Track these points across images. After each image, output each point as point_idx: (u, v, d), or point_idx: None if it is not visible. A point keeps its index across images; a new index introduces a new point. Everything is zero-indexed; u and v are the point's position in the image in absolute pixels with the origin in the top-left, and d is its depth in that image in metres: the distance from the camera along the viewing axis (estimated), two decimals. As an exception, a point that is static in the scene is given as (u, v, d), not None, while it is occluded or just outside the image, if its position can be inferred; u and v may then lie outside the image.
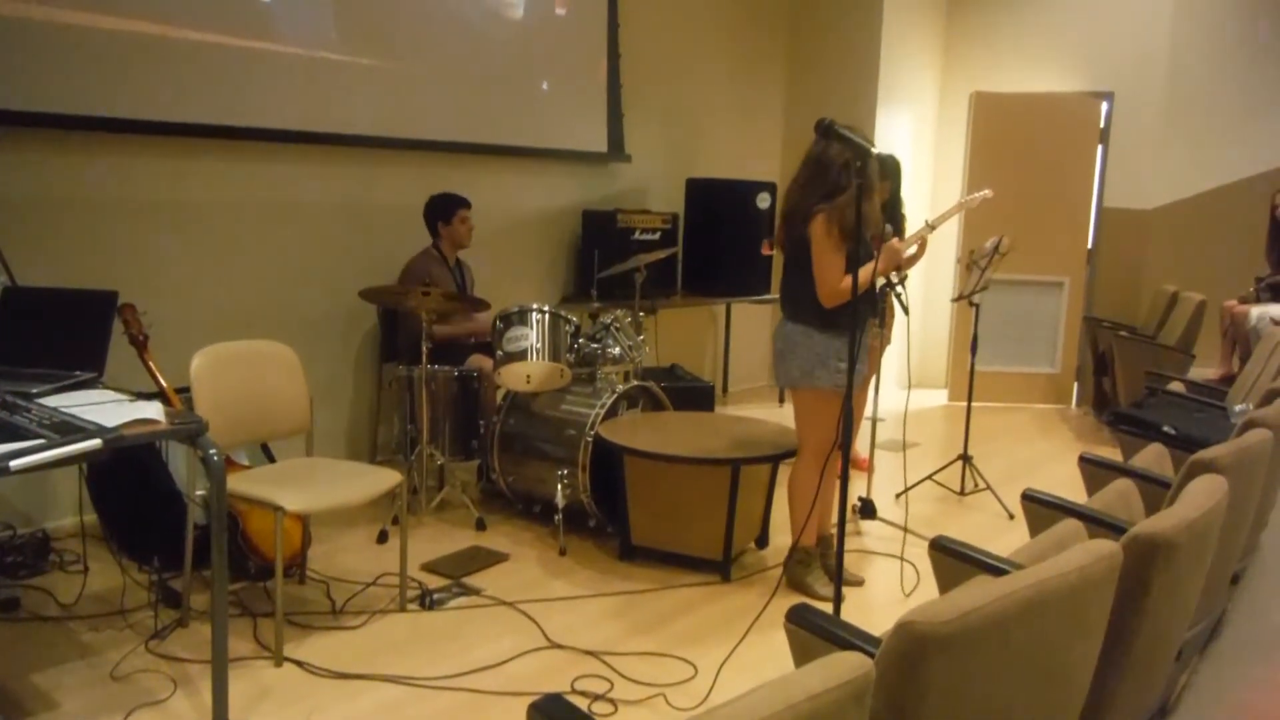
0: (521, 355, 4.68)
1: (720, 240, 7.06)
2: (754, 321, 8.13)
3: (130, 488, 4.09)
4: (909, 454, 6.31)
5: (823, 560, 4.13)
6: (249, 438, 3.84)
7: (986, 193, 4.82)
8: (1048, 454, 6.52)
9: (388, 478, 3.67)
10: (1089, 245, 7.99)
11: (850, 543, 4.64)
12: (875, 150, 3.20)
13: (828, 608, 2.40)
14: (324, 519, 4.57)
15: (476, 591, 3.99)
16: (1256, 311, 6.81)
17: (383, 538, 4.50)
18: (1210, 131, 7.78)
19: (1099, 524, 2.45)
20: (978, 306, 5.40)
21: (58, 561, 4.09)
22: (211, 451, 2.75)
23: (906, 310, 4.76)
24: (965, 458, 5.52)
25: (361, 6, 5.30)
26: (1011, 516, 5.10)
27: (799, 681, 1.24)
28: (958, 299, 5.62)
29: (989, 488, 5.38)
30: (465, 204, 5.29)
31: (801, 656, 1.98)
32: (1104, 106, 7.87)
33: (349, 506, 3.58)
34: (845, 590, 3.31)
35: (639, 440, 4.26)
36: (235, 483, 3.41)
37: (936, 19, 8.48)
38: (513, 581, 4.11)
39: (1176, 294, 7.11)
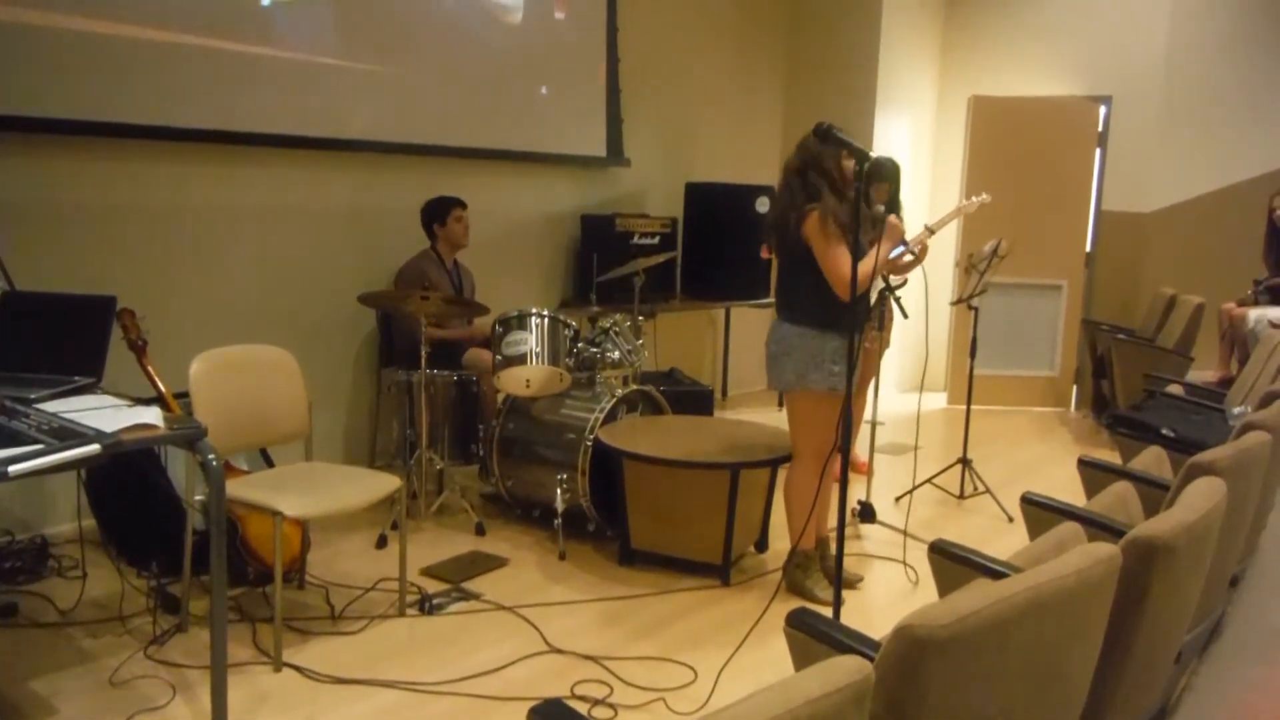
0: (521, 360, 4.68)
1: (719, 244, 7.07)
2: (753, 325, 8.12)
3: (129, 493, 4.09)
4: (908, 457, 6.31)
5: (822, 564, 4.13)
6: (248, 443, 3.84)
7: (985, 197, 4.83)
8: (1047, 457, 6.52)
9: (387, 482, 3.67)
10: (1087, 248, 7.99)
11: (849, 546, 4.63)
12: (873, 154, 3.21)
13: (827, 611, 2.40)
14: (323, 524, 4.57)
15: (476, 596, 3.99)
16: (1255, 314, 6.81)
17: (382, 543, 4.49)
18: (1208, 135, 7.79)
19: (1098, 527, 2.46)
20: (976, 310, 5.40)
21: (56, 567, 4.08)
22: (210, 457, 2.75)
23: (905, 314, 4.78)
24: (964, 461, 5.52)
25: (361, 11, 5.31)
26: (1011, 519, 5.10)
27: (798, 685, 1.24)
28: (956, 302, 5.63)
29: (988, 491, 5.38)
30: (460, 203, 5.28)
31: (801, 660, 1.98)
32: (1102, 110, 7.88)
33: (348, 511, 3.58)
34: (845, 593, 3.31)
35: (638, 444, 4.26)
36: (234, 488, 3.41)
37: (935, 23, 8.50)
38: (512, 586, 4.10)
39: (1175, 297, 7.12)
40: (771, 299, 7.18)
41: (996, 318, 7.53)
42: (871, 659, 1.39)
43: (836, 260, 3.73)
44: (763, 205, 7.13)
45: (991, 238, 5.41)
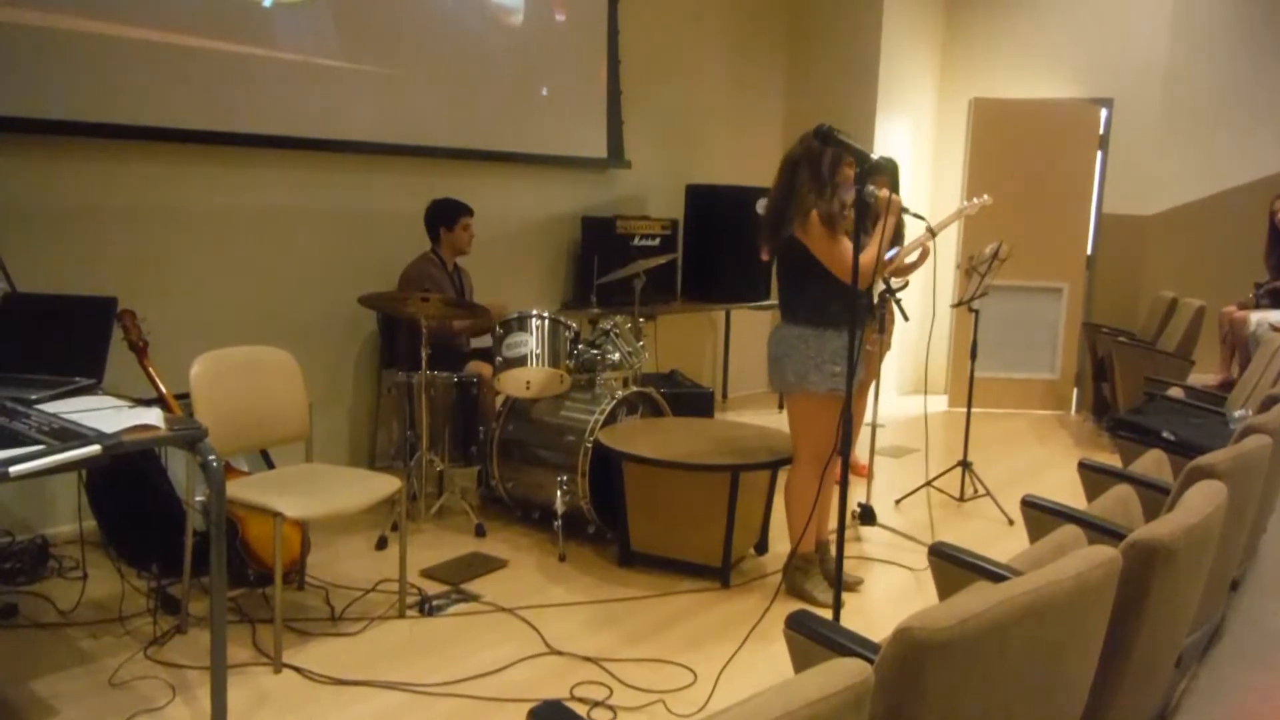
0: (521, 361, 4.68)
1: (720, 246, 7.07)
2: (753, 327, 8.13)
3: (129, 494, 4.09)
4: (908, 460, 6.32)
5: (822, 566, 4.13)
6: (248, 444, 3.84)
7: (985, 199, 4.83)
8: (1047, 460, 6.52)
9: (387, 484, 3.67)
10: (1088, 251, 7.99)
11: (850, 549, 4.63)
12: (873, 155, 3.21)
13: (827, 614, 2.40)
14: (323, 525, 4.57)
15: (476, 598, 3.99)
16: (1255, 317, 6.81)
17: (382, 544, 4.49)
18: (1209, 137, 7.79)
19: (1098, 530, 2.46)
20: (977, 312, 5.40)
21: (56, 568, 4.09)
22: (211, 458, 2.75)
23: (906, 316, 4.78)
24: (965, 464, 5.52)
25: (362, 13, 5.31)
26: (1011, 522, 5.10)
27: (798, 688, 1.24)
28: (957, 305, 5.62)
29: (988, 493, 5.38)
30: (468, 211, 5.29)
31: (801, 663, 1.98)
32: (1103, 113, 7.88)
33: (348, 513, 3.58)
34: (845, 596, 3.31)
35: (638, 446, 4.26)
36: (234, 489, 3.41)
37: (935, 25, 8.50)
38: (512, 588, 4.10)
39: (1176, 300, 7.11)
40: (771, 301, 7.25)
41: (997, 320, 7.53)
42: (871, 661, 1.38)
43: (837, 253, 3.73)
44: (763, 207, 7.12)
45: (992, 240, 5.41)
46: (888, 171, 5.12)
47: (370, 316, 5.43)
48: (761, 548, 4.55)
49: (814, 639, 1.94)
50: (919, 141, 8.45)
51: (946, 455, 6.19)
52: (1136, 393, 6.09)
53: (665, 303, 6.82)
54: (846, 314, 3.22)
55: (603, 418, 4.56)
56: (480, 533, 4.68)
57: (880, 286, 4.71)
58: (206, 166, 4.83)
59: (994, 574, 2.20)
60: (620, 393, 4.76)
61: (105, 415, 2.72)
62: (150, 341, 3.79)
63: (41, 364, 3.13)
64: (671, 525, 4.25)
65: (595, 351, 4.87)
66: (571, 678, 3.35)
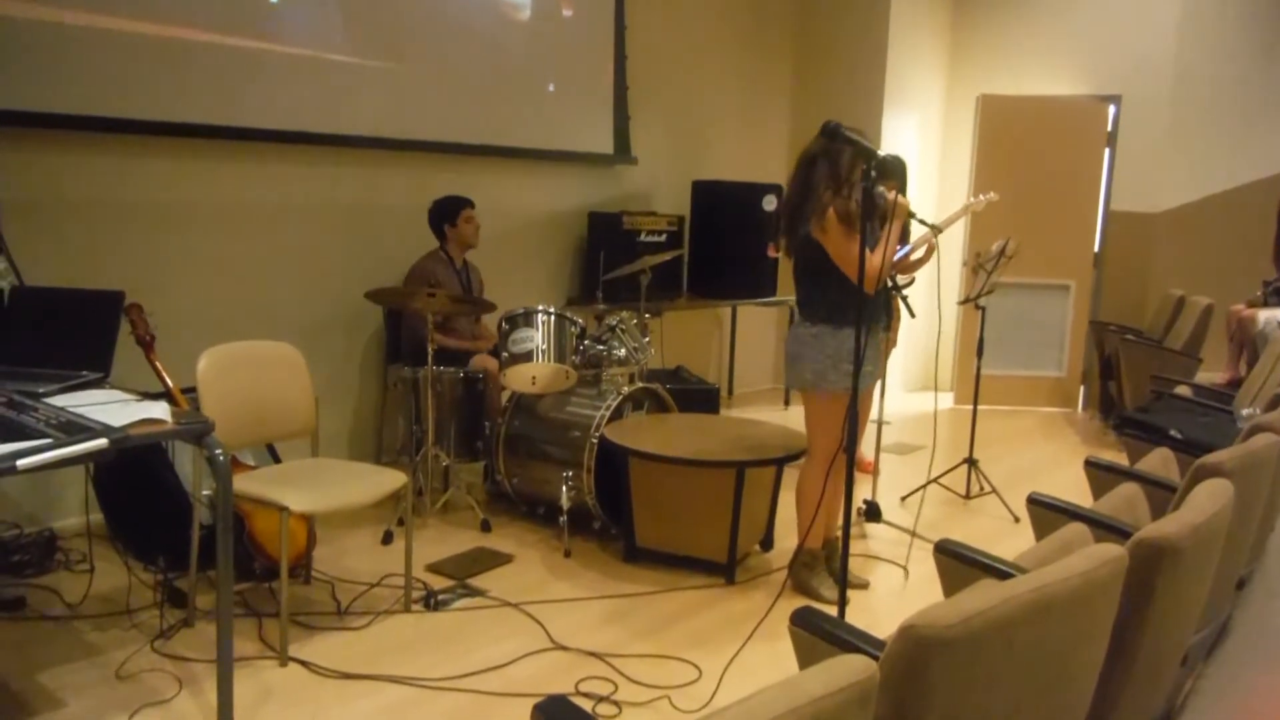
0: (527, 357, 4.68)
1: (726, 242, 7.06)
2: (759, 324, 8.13)
3: (136, 488, 4.10)
4: (913, 457, 6.31)
5: (828, 563, 4.13)
6: (255, 438, 3.85)
7: (992, 196, 4.82)
8: (1053, 458, 6.51)
9: (393, 479, 3.67)
10: (1095, 249, 7.98)
11: (855, 546, 4.63)
12: (880, 152, 3.21)
13: (832, 610, 2.40)
14: (329, 520, 4.58)
15: (481, 593, 4.00)
16: (1264, 315, 6.79)
17: (388, 539, 4.50)
18: (1217, 135, 7.76)
19: (1104, 528, 2.45)
20: (984, 310, 5.39)
21: (64, 561, 4.10)
22: (217, 452, 2.76)
23: (912, 313, 4.77)
24: (971, 461, 5.51)
25: (368, 8, 5.31)
26: (1017, 520, 5.09)
27: (803, 684, 1.24)
28: (964, 302, 5.62)
29: (994, 491, 5.38)
30: (468, 203, 5.29)
31: (806, 659, 1.98)
32: (1111, 110, 7.86)
33: (354, 507, 3.58)
34: (850, 593, 3.31)
35: (644, 442, 4.26)
36: (241, 483, 3.42)
37: (943, 22, 8.48)
38: (517, 583, 4.11)
39: (1183, 298, 7.10)
40: (778, 297, 7.25)
41: (1004, 318, 7.52)
42: (876, 658, 1.38)
43: (851, 254, 3.72)
44: (770, 204, 7.13)
45: (999, 237, 5.41)
46: (896, 170, 5.12)
47: (376, 311, 5.43)
48: (767, 544, 4.55)
49: (819, 635, 1.94)
50: (926, 138, 8.43)
51: (952, 452, 6.19)
52: (1143, 391, 6.07)
53: (671, 299, 6.81)
54: (864, 313, 3.21)
55: (608, 413, 4.56)
56: (486, 528, 4.68)
57: (888, 283, 4.70)
58: (213, 161, 4.84)
59: (999, 571, 2.20)
60: (626, 389, 4.76)
61: (112, 409, 2.73)
62: (157, 335, 3.79)
63: (49, 358, 3.13)
64: (677, 521, 4.26)
65: (601, 347, 4.87)
66: (576, 673, 3.35)
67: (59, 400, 2.81)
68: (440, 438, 4.92)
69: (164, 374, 3.77)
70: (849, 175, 3.77)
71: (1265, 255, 7.36)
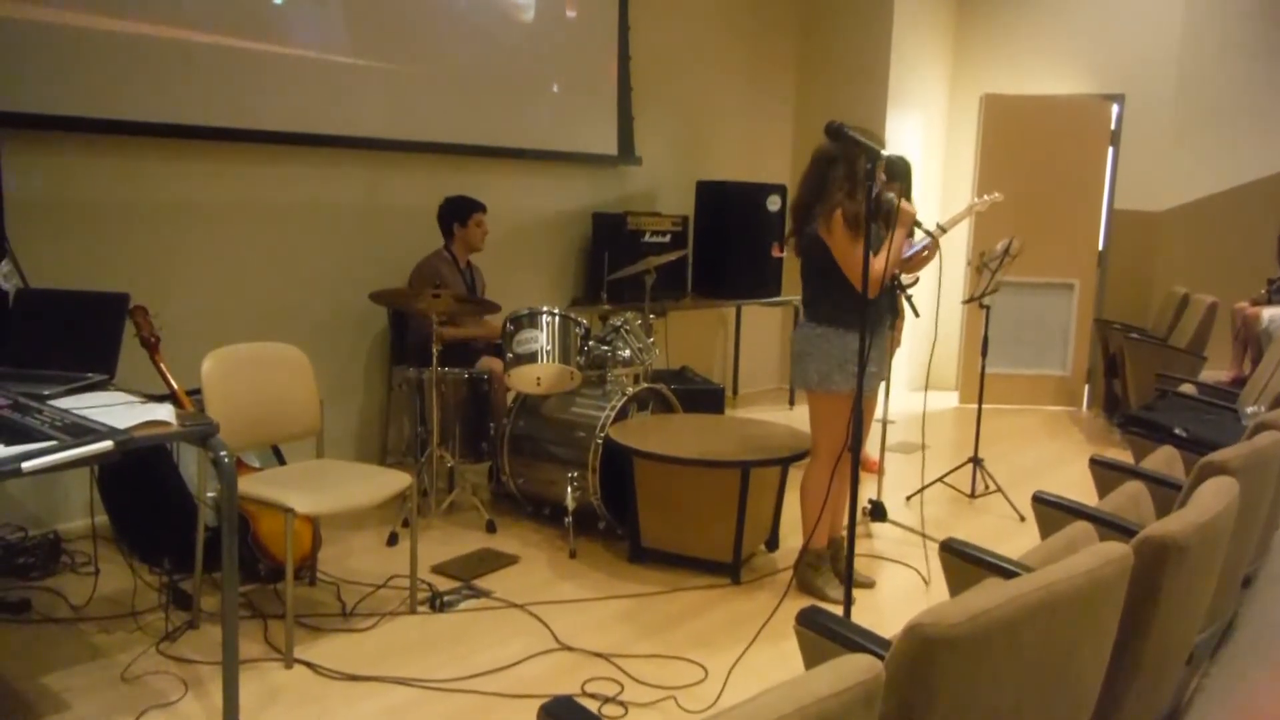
0: (531, 358, 4.69)
1: (730, 243, 7.06)
2: (764, 324, 8.12)
3: (141, 490, 4.11)
4: (919, 456, 6.31)
5: (833, 563, 4.13)
6: (260, 440, 3.86)
7: (996, 195, 4.81)
8: (1058, 456, 6.50)
9: (398, 480, 3.67)
10: (1100, 247, 7.97)
11: (860, 545, 4.63)
12: (886, 152, 3.22)
13: (838, 610, 2.39)
14: (334, 521, 4.58)
15: (486, 594, 4.00)
16: (1268, 313, 6.78)
17: (393, 540, 4.50)
18: (1221, 133, 7.75)
19: (1109, 526, 2.45)
20: (988, 309, 5.39)
21: (69, 563, 4.10)
22: (222, 453, 2.76)
23: (917, 313, 4.77)
24: (976, 460, 5.51)
25: (372, 9, 5.32)
26: (1022, 519, 5.09)
27: (809, 684, 1.24)
28: (968, 301, 5.61)
29: (1000, 490, 5.37)
30: (482, 208, 5.31)
31: (811, 659, 1.98)
32: (1115, 109, 7.85)
33: (359, 509, 3.59)
34: (856, 593, 3.31)
35: (649, 443, 4.26)
36: (246, 485, 3.43)
37: (947, 21, 8.47)
38: (523, 584, 4.11)
39: (1187, 296, 7.08)
40: (783, 297, 7.24)
41: (1008, 317, 7.51)
42: (882, 658, 1.38)
43: (856, 258, 3.73)
44: (774, 204, 7.13)
45: (1003, 236, 5.40)
46: (900, 171, 5.12)
47: (381, 313, 5.43)
48: (772, 544, 4.55)
49: (825, 635, 1.94)
50: (930, 138, 8.43)
51: (957, 451, 6.18)
52: (1148, 389, 6.06)
53: (676, 299, 6.81)
54: (868, 314, 3.21)
55: (613, 414, 4.56)
56: (491, 529, 4.68)
57: (892, 283, 4.70)
58: (217, 163, 4.85)
59: (1005, 570, 2.20)
60: (631, 389, 4.76)
61: (117, 411, 2.73)
62: (162, 337, 3.80)
63: (54, 360, 3.14)
64: (682, 522, 4.25)
65: (606, 348, 4.87)
66: (582, 674, 3.35)
67: (64, 402, 2.81)
68: (445, 438, 4.92)
69: (169, 376, 3.77)
70: (864, 179, 3.78)
71: (1269, 253, 7.34)
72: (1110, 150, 7.88)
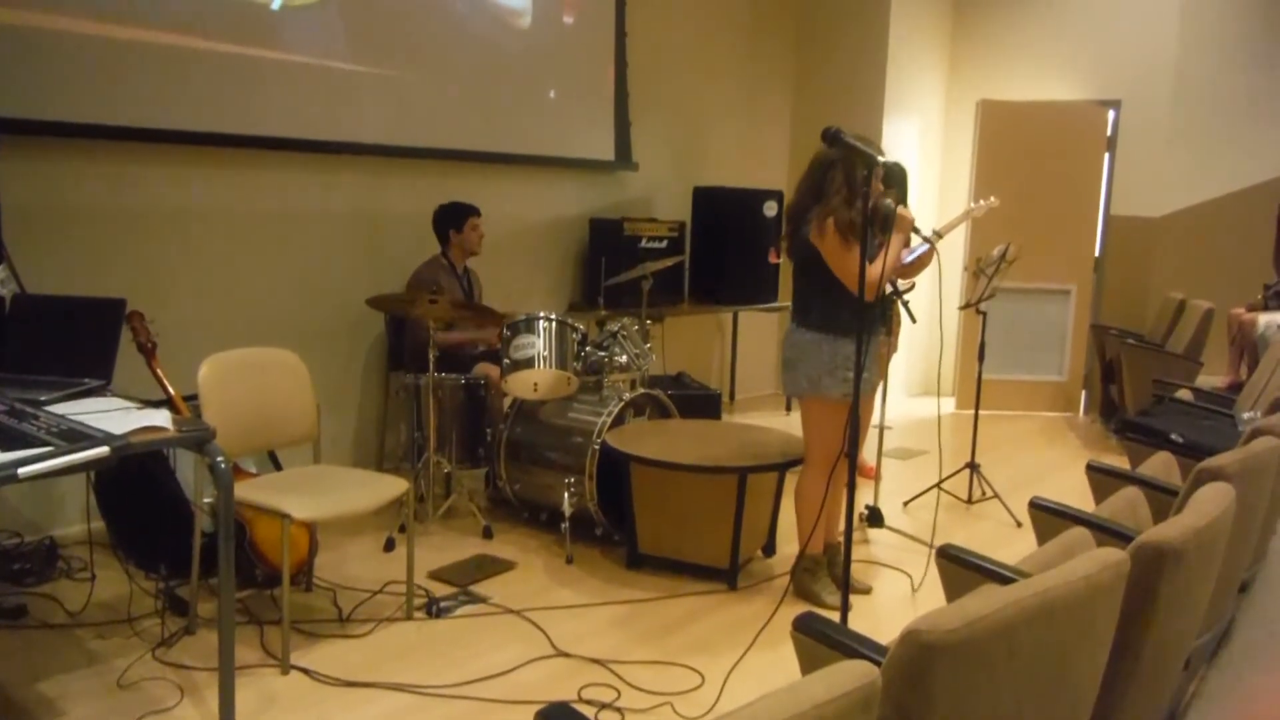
0: (528, 363, 4.68)
1: (727, 248, 7.07)
2: (761, 329, 8.13)
3: (137, 495, 4.10)
4: (915, 462, 6.31)
5: (830, 568, 4.13)
6: (256, 445, 3.85)
7: (993, 201, 4.82)
8: (1055, 462, 6.50)
9: (395, 486, 3.67)
10: (1096, 253, 7.98)
11: (857, 551, 4.63)
12: (883, 158, 3.22)
13: (835, 616, 2.39)
14: (331, 527, 4.57)
15: (483, 599, 3.99)
16: (1264, 319, 6.79)
17: (389, 546, 4.50)
18: (1217, 139, 7.76)
19: (1106, 532, 2.45)
20: (985, 314, 5.40)
21: (65, 569, 4.10)
22: (219, 459, 2.76)
23: (913, 318, 4.77)
24: (972, 466, 5.51)
25: (370, 16, 5.32)
26: (1019, 524, 5.09)
27: (805, 690, 1.24)
28: (965, 307, 5.62)
29: (996, 496, 5.37)
30: (475, 211, 5.31)
31: (808, 665, 1.98)
32: (1111, 115, 7.87)
33: (356, 514, 3.59)
34: (852, 598, 3.31)
35: (646, 448, 4.26)
36: (242, 490, 3.42)
37: (943, 27, 8.49)
38: (519, 589, 4.11)
39: (1184, 302, 7.10)
40: (779, 303, 7.25)
41: (1005, 322, 7.51)
42: (879, 664, 1.38)
43: (853, 266, 3.72)
44: (770, 210, 7.13)
45: (1000, 242, 5.41)
46: (897, 178, 5.13)
47: (378, 318, 5.43)
48: (769, 550, 4.55)
49: (821, 641, 1.94)
50: (926, 143, 8.44)
51: (954, 457, 6.18)
52: (1145, 395, 6.07)
53: (673, 304, 6.82)
54: (861, 320, 3.21)
55: (610, 419, 4.56)
56: (488, 534, 4.68)
57: (888, 289, 4.70)
58: (215, 169, 4.85)
59: (1002, 576, 2.20)
60: (628, 395, 4.76)
61: (114, 417, 2.73)
62: (159, 343, 3.80)
63: (50, 365, 3.14)
64: (679, 527, 4.25)
65: (603, 353, 4.87)
66: (579, 679, 3.35)
67: (60, 408, 2.81)
68: (442, 444, 4.92)
69: (165, 381, 3.77)
70: (864, 186, 3.78)
71: (1266, 259, 7.36)
72: (1106, 156, 7.90)
